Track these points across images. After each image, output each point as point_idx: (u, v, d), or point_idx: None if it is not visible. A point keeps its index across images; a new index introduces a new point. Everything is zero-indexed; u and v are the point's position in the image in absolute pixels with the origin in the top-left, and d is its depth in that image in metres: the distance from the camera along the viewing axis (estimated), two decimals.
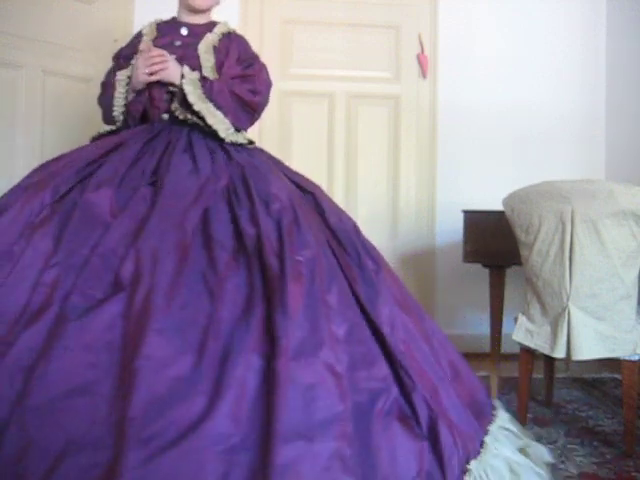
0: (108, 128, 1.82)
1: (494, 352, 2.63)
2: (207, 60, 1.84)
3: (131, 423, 1.05)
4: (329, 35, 3.41)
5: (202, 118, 1.74)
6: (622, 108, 3.37)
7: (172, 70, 1.76)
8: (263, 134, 3.30)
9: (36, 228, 1.38)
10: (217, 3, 1.98)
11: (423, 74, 3.44)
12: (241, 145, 1.80)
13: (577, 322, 1.94)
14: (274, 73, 3.37)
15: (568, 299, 1.97)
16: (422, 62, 3.42)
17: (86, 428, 1.06)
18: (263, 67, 1.98)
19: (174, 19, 1.96)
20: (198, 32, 1.90)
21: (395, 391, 1.29)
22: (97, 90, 1.95)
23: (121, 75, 1.81)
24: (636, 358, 1.97)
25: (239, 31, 3.28)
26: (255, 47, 3.33)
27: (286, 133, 3.39)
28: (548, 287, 2.02)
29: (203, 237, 1.41)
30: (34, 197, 1.45)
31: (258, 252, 1.38)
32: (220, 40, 1.91)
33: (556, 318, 2.00)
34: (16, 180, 1.60)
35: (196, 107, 1.72)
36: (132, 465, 1.00)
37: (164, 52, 1.77)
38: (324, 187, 3.36)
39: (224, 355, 1.17)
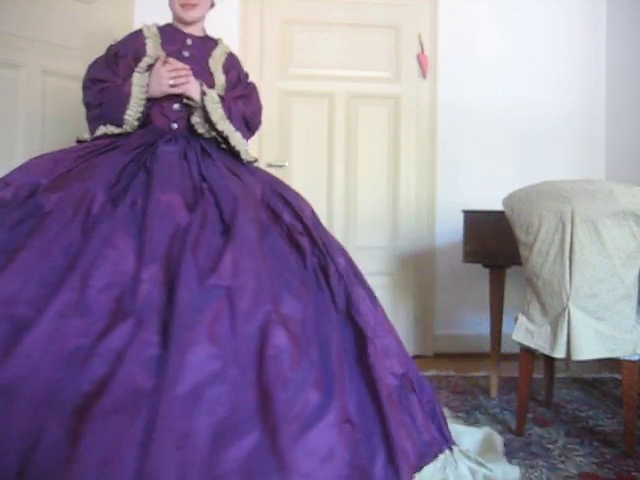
0: (116, 130, 1.78)
1: (494, 352, 2.63)
2: (219, 79, 1.92)
3: (279, 405, 1.18)
4: (329, 35, 3.41)
5: (225, 137, 1.83)
6: (622, 108, 3.37)
7: (193, 85, 1.81)
8: (263, 134, 3.29)
9: (102, 227, 1.38)
10: (212, 5, 2.00)
11: (423, 74, 3.44)
12: (249, 162, 1.90)
13: (577, 322, 1.94)
14: (274, 73, 3.41)
15: (568, 299, 1.97)
16: (422, 62, 3.42)
17: (231, 412, 1.15)
18: (255, 88, 2.06)
19: (171, 25, 1.96)
20: (201, 45, 1.95)
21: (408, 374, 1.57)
22: None
23: (140, 80, 1.78)
24: (636, 358, 1.97)
25: (239, 31, 3.32)
26: (255, 47, 3.38)
27: (286, 133, 3.39)
28: (548, 287, 2.02)
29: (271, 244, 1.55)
30: (85, 196, 1.44)
31: (318, 257, 1.57)
32: (225, 59, 1.98)
33: (556, 318, 2.00)
34: None
35: (219, 127, 1.81)
36: (290, 441, 1.15)
37: (187, 66, 1.81)
38: (324, 187, 3.41)
39: (322, 345, 1.36)
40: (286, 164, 3.35)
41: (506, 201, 2.18)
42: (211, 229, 1.43)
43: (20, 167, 1.62)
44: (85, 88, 1.90)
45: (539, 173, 3.12)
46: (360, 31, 3.42)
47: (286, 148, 3.38)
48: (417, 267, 3.43)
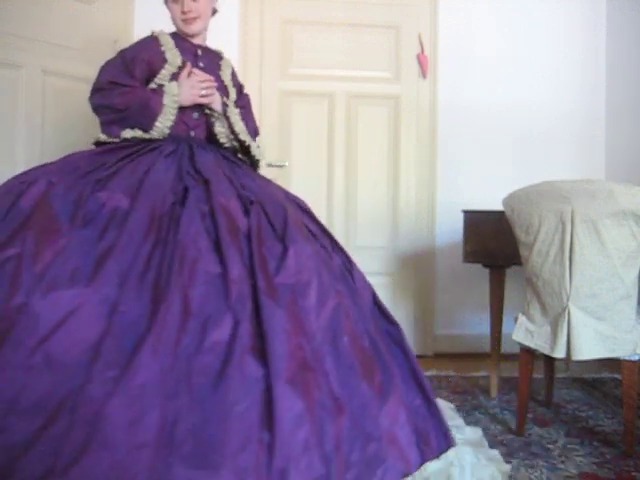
0: (145, 135, 1.80)
1: (494, 352, 2.63)
2: (232, 92, 2.03)
3: (362, 384, 1.35)
4: (329, 35, 3.41)
5: (246, 146, 1.96)
6: (622, 108, 3.37)
7: (217, 96, 1.91)
8: (263, 134, 3.29)
9: (182, 229, 1.43)
10: (214, 13, 2.04)
11: (423, 74, 3.44)
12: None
13: (577, 322, 1.94)
14: (274, 73, 3.41)
15: (568, 299, 1.97)
16: (422, 62, 3.42)
17: (322, 394, 1.28)
18: (250, 100, 2.17)
19: (178, 35, 1.98)
20: (209, 57, 2.02)
21: None
22: None
23: (171, 89, 1.82)
24: (636, 358, 1.97)
25: (239, 31, 3.32)
26: (255, 47, 3.38)
27: (286, 133, 3.39)
28: (548, 287, 2.02)
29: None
30: (157, 198, 1.51)
31: (341, 258, 1.69)
32: (231, 73, 2.07)
33: (556, 318, 2.00)
34: None
35: (242, 137, 1.94)
36: (377, 413, 1.33)
37: (212, 77, 1.90)
38: (324, 187, 3.41)
39: (368, 333, 1.49)
40: (286, 164, 3.35)
41: (506, 201, 2.18)
42: (267, 233, 1.52)
43: (54, 165, 1.65)
44: (100, 90, 1.89)
45: (539, 173, 3.12)
46: (360, 31, 3.42)
47: (286, 148, 3.38)
48: (417, 267, 3.43)
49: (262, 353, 1.26)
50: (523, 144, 3.47)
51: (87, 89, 1.93)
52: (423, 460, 1.34)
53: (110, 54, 2.00)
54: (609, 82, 3.50)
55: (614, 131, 3.44)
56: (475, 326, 3.40)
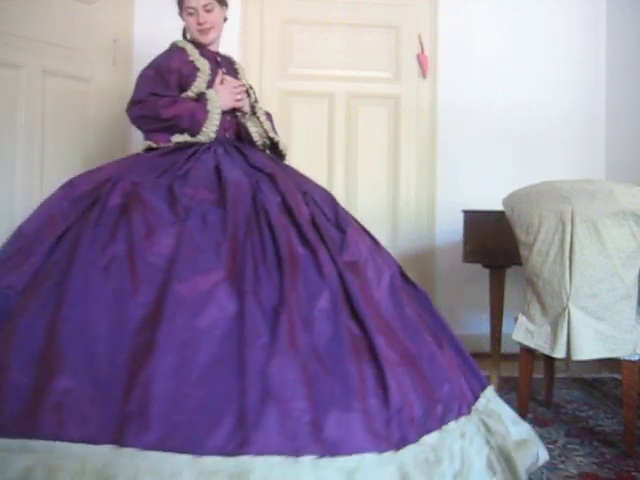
0: (193, 140, 1.87)
1: (494, 352, 2.63)
2: (253, 94, 2.16)
3: (428, 343, 1.58)
4: (329, 35, 3.41)
5: (275, 143, 2.10)
6: (622, 108, 3.37)
7: (246, 99, 2.05)
8: None
9: (270, 215, 1.58)
10: (225, 20, 2.09)
11: (423, 74, 3.44)
12: None
13: (577, 322, 1.94)
14: (274, 73, 3.41)
15: (568, 299, 1.97)
16: (422, 62, 3.42)
17: (396, 353, 1.45)
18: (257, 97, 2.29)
19: (194, 42, 2.02)
20: (225, 63, 2.10)
21: None
22: (97, 90, 1.93)
23: (213, 96, 1.92)
24: (636, 358, 1.97)
25: (239, 31, 3.33)
26: (255, 47, 3.38)
27: (286, 133, 3.38)
28: (548, 287, 2.02)
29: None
30: (242, 191, 1.64)
31: (369, 237, 1.84)
32: (244, 76, 2.18)
33: (556, 318, 2.00)
34: (17, 179, 1.59)
35: (271, 134, 2.10)
36: (442, 358, 1.59)
37: (242, 82, 2.04)
38: (324, 187, 3.39)
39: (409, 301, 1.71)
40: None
41: (506, 201, 2.18)
42: (324, 220, 1.68)
43: (124, 164, 1.73)
44: (140, 102, 1.93)
45: (539, 173, 3.11)
46: (360, 31, 3.42)
47: None
48: (417, 267, 3.43)
49: (356, 318, 1.44)
50: (523, 144, 3.47)
51: (87, 89, 1.94)
52: (475, 398, 1.60)
53: (110, 54, 2.00)
54: (609, 82, 3.50)
55: (614, 131, 3.44)
56: (475, 326, 3.40)
